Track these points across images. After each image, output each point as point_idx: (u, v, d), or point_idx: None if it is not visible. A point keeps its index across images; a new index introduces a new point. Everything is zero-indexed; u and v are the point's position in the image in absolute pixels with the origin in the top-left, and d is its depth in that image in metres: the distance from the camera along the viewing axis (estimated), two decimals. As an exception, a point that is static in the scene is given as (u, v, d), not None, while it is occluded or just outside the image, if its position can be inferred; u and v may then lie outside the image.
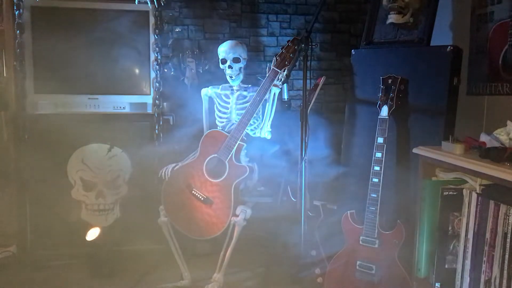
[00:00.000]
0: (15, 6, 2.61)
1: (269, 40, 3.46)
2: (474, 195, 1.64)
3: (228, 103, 2.60)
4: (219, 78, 2.71)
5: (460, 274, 1.70)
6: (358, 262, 2.16)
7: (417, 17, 2.40)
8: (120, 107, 2.79)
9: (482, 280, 1.57)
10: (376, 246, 2.11)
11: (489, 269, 1.54)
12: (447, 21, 2.66)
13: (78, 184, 2.79)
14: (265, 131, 2.52)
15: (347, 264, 2.20)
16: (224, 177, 2.34)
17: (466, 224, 1.67)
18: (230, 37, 3.30)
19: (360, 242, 2.15)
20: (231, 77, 2.58)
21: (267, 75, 2.35)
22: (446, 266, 1.79)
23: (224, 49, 2.58)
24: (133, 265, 2.71)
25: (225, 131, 2.46)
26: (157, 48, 2.78)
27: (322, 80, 2.60)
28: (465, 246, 1.68)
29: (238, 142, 2.33)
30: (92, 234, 2.73)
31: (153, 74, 2.80)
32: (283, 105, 2.59)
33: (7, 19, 2.69)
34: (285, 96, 2.70)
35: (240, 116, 2.39)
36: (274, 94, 2.49)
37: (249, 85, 2.62)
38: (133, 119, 2.81)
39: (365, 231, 2.14)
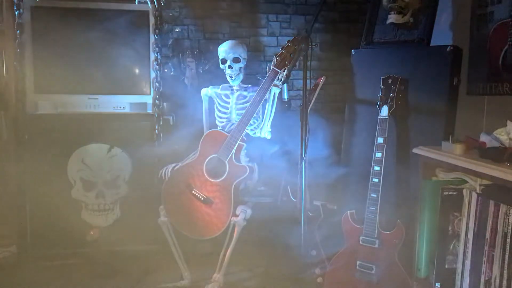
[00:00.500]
0: (15, 6, 2.61)
1: (269, 40, 3.46)
2: (474, 195, 1.64)
3: (228, 103, 2.60)
4: (219, 78, 2.71)
5: (460, 274, 1.70)
6: (358, 262, 2.16)
7: (417, 17, 2.40)
8: (120, 107, 2.79)
9: (482, 280, 1.57)
10: (376, 246, 2.11)
11: (489, 269, 1.54)
12: (447, 21, 2.66)
13: (78, 184, 2.79)
14: (265, 131, 2.52)
15: (347, 264, 2.20)
16: (224, 177, 2.34)
17: (466, 224, 1.67)
18: (230, 37, 3.30)
19: (360, 242, 2.15)
20: (231, 77, 2.58)
21: (267, 75, 2.35)
22: (446, 266, 1.79)
23: (224, 49, 2.58)
24: (133, 265, 2.71)
25: (225, 131, 2.46)
26: (157, 48, 2.77)
27: (322, 80, 2.60)
28: (465, 246, 1.68)
29: (238, 142, 2.33)
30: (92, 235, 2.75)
31: (153, 74, 2.80)
32: (283, 105, 2.59)
33: (7, 19, 2.70)
34: (285, 96, 2.70)
35: (240, 116, 2.39)
36: (274, 94, 2.49)
37: (249, 85, 2.62)
38: (133, 119, 2.81)
39: (365, 231, 2.14)
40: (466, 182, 1.77)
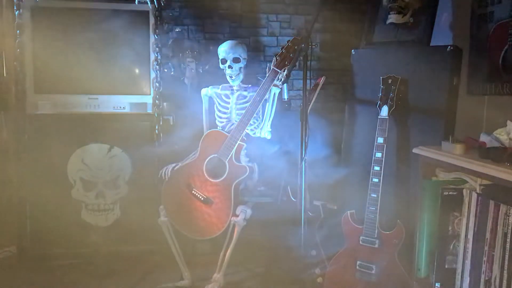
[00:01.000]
0: (15, 6, 2.61)
1: (269, 40, 3.46)
2: (474, 195, 1.64)
3: (228, 103, 2.60)
4: (219, 78, 2.71)
5: (460, 274, 1.70)
6: (358, 262, 2.16)
7: (417, 17, 2.40)
8: (120, 107, 2.79)
9: (482, 280, 1.57)
10: (376, 246, 2.11)
11: (489, 269, 1.54)
12: (447, 21, 2.66)
13: (78, 184, 2.79)
14: (265, 131, 2.52)
15: (347, 264, 2.20)
16: (224, 177, 2.34)
17: (466, 224, 1.67)
18: (230, 37, 3.30)
19: (360, 242, 2.15)
20: (231, 77, 2.58)
21: (267, 75, 2.35)
22: (446, 266, 1.79)
23: (224, 49, 2.58)
24: (133, 265, 2.71)
25: (225, 131, 2.46)
26: (157, 48, 2.77)
27: (322, 80, 2.60)
28: (465, 246, 1.67)
29: (238, 142, 2.33)
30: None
31: (153, 74, 2.80)
32: (283, 105, 2.59)
33: (7, 19, 2.70)
34: (285, 96, 2.69)
35: (240, 116, 2.39)
36: (274, 94, 2.49)
37: (249, 85, 2.62)
38: (133, 119, 2.81)
39: (365, 231, 2.14)
40: (466, 182, 1.77)
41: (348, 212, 2.22)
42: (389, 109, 2.17)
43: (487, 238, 1.55)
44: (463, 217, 1.70)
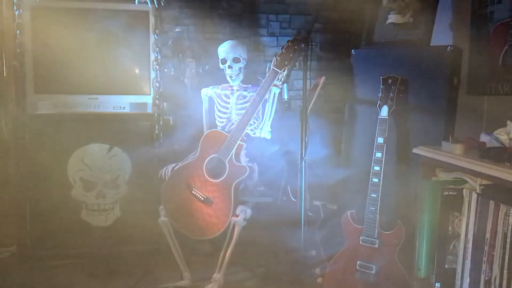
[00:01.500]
0: (15, 6, 2.61)
1: (269, 40, 3.46)
2: (474, 195, 1.64)
3: (228, 103, 2.60)
4: (219, 78, 2.71)
5: (460, 274, 1.70)
6: (358, 262, 2.16)
7: (417, 17, 2.40)
8: (120, 107, 2.79)
9: (482, 280, 1.57)
10: (376, 246, 2.11)
11: (489, 269, 1.54)
12: (447, 21, 2.66)
13: (78, 184, 2.79)
14: (265, 131, 2.52)
15: (347, 264, 2.20)
16: (224, 177, 2.34)
17: (466, 224, 1.67)
18: (230, 37, 3.30)
19: (360, 242, 2.15)
20: (231, 77, 2.58)
21: (267, 75, 2.35)
22: (446, 266, 1.79)
23: (224, 49, 2.58)
24: (133, 265, 2.70)
25: (225, 131, 2.46)
26: (157, 48, 2.77)
27: (322, 80, 2.59)
28: (465, 246, 1.68)
29: (238, 142, 2.33)
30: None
31: (153, 74, 2.79)
32: (283, 105, 2.59)
33: (7, 19, 2.70)
34: (285, 96, 2.70)
35: (240, 116, 2.39)
36: (274, 94, 2.49)
37: (249, 85, 2.62)
38: (133, 119, 2.81)
39: (365, 231, 2.14)
40: (466, 182, 1.77)
41: (348, 212, 2.22)
42: (389, 109, 2.17)
43: (487, 238, 1.55)
44: (463, 217, 1.70)
